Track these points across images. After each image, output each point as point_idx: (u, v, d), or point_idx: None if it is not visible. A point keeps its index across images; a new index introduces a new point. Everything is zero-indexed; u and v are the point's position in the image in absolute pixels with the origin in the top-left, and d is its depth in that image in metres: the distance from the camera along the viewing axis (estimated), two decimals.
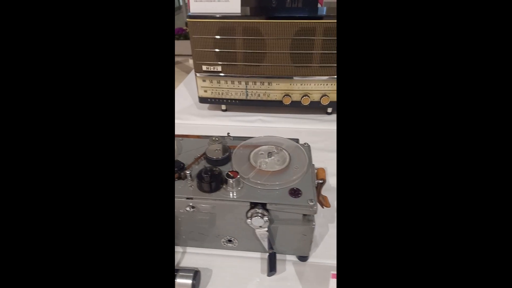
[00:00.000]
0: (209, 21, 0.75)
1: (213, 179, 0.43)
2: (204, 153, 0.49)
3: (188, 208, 0.43)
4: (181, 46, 3.32)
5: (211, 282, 0.46)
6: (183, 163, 0.47)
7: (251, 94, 0.86)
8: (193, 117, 0.92)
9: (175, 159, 0.48)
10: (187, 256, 0.50)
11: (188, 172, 0.45)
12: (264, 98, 0.86)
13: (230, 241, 0.48)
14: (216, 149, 0.49)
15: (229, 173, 0.43)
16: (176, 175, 0.45)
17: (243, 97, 0.87)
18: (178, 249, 0.50)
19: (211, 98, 0.89)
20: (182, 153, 0.52)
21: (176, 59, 3.42)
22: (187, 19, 0.76)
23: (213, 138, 0.53)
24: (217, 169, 0.45)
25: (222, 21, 0.74)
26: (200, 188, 0.44)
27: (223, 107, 0.94)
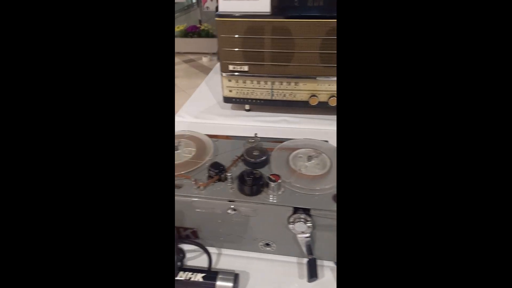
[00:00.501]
0: (238, 20, 0.74)
1: (255, 182, 0.42)
2: (242, 155, 0.49)
3: (229, 211, 0.43)
4: (194, 44, 3.34)
5: (248, 285, 0.46)
6: (222, 165, 0.46)
7: (277, 94, 0.85)
8: (217, 117, 0.92)
9: (215, 161, 0.47)
10: (223, 258, 0.49)
11: (229, 174, 0.44)
12: (290, 98, 0.85)
13: (268, 244, 0.47)
14: (255, 151, 0.49)
15: (271, 176, 0.43)
16: (217, 177, 0.45)
17: (268, 97, 0.86)
18: (213, 250, 0.50)
19: (236, 98, 0.89)
20: (219, 155, 0.51)
21: (189, 57, 3.44)
22: (216, 18, 0.76)
23: (249, 140, 0.52)
24: (258, 172, 0.44)
25: (252, 21, 0.74)
26: (241, 191, 0.43)
27: (247, 107, 0.94)
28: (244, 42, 0.77)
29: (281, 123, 0.88)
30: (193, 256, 0.49)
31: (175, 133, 0.56)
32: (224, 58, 0.82)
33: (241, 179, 0.43)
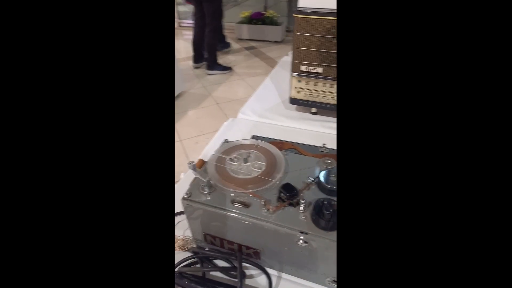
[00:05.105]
0: (319, 18, 0.67)
1: (334, 216, 0.38)
2: (317, 178, 0.44)
3: (300, 243, 0.39)
4: (257, 31, 3.31)
5: None
6: (296, 188, 0.42)
7: None
8: (281, 118, 0.88)
9: (287, 182, 0.43)
10: (283, 283, 0.46)
11: (303, 201, 0.40)
12: None
13: (336, 281, 0.42)
14: (332, 176, 0.43)
15: None
16: (288, 201, 0.41)
17: None
18: (273, 272, 0.47)
19: (303, 100, 0.83)
20: (289, 173, 0.47)
21: (251, 44, 3.43)
22: (294, 15, 0.70)
23: (326, 161, 0.47)
24: (335, 203, 0.39)
25: (335, 19, 0.66)
26: (316, 223, 0.39)
27: (314, 110, 0.87)
28: (322, 41, 0.70)
29: None
30: (251, 274, 0.47)
31: (245, 142, 0.53)
32: (297, 58, 0.76)
33: (317, 210, 0.39)
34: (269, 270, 0.46)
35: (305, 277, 0.45)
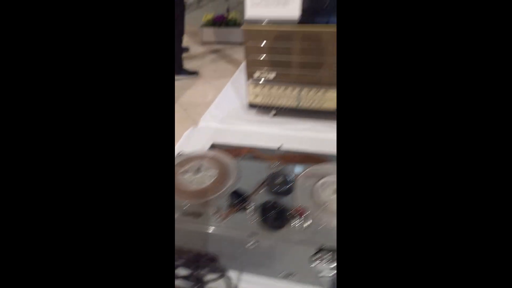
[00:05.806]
0: (265, 29, 0.71)
1: (279, 216, 0.41)
2: (265, 181, 0.47)
3: (249, 244, 0.42)
4: (221, 34, 3.31)
5: None
6: (244, 194, 0.45)
7: (304, 102, 0.82)
8: (241, 123, 0.90)
9: (235, 189, 0.46)
10: (244, 283, 0.49)
11: (251, 204, 0.43)
12: (318, 106, 0.81)
13: (289, 274, 0.46)
14: (278, 178, 0.47)
15: (294, 211, 0.41)
16: (237, 208, 0.44)
17: (295, 105, 0.83)
18: (234, 273, 0.50)
19: (261, 105, 0.87)
20: (242, 178, 0.50)
21: (215, 47, 3.42)
22: (242, 28, 0.73)
23: (272, 165, 0.50)
24: (280, 205, 0.43)
25: (280, 29, 0.70)
26: (264, 223, 0.42)
27: (273, 112, 0.91)
28: (271, 49, 0.74)
29: (308, 131, 0.84)
30: (212, 278, 0.49)
31: (197, 153, 0.55)
32: (250, 66, 0.79)
33: (263, 211, 0.42)
34: (230, 273, 0.49)
35: (263, 274, 0.48)
